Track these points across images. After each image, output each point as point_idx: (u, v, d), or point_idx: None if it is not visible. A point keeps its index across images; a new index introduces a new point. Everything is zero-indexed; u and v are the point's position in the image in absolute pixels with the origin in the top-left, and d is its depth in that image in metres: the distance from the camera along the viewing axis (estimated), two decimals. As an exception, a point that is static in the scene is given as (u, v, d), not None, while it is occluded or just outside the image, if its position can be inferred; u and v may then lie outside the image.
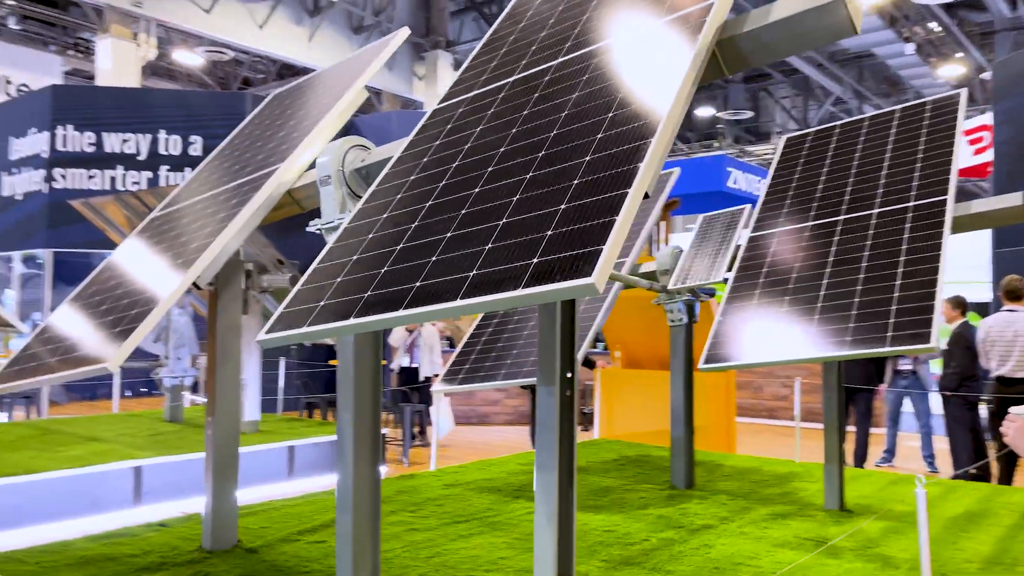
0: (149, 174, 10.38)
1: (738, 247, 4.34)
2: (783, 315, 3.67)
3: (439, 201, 2.04)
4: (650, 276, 4.68)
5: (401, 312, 1.68)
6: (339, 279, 2.01)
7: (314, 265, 2.18)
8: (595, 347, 9.83)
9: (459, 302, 1.55)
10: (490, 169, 2.01)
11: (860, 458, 7.46)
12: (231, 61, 23.43)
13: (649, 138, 1.70)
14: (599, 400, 6.50)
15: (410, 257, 1.86)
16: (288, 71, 22.76)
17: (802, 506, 4.12)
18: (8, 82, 15.65)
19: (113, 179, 10.25)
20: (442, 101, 2.69)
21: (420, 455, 7.96)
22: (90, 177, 10.22)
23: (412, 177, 2.29)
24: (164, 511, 5.20)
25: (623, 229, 1.49)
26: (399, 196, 2.22)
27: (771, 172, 4.73)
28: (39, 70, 16.92)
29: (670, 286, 4.40)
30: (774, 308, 3.75)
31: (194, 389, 8.61)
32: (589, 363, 7.38)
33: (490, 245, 1.67)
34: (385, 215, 2.17)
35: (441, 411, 7.54)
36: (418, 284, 1.72)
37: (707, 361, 3.69)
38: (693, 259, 4.48)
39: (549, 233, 1.59)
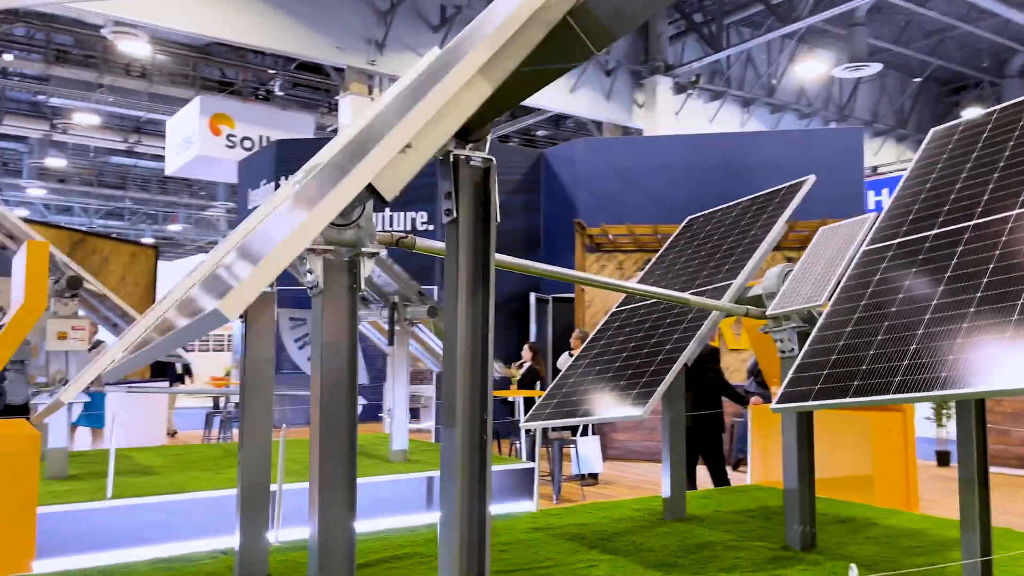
0: (354, 216, 11.23)
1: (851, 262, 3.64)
2: (878, 346, 2.99)
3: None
4: (756, 301, 4.08)
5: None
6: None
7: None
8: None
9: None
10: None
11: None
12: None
13: None
14: (752, 441, 5.81)
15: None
16: (521, 111, 23.68)
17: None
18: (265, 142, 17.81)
19: (324, 222, 11.24)
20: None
21: (578, 493, 7.65)
22: (306, 221, 11.29)
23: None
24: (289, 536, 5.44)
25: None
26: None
27: (906, 173, 3.95)
28: (297, 129, 19.15)
29: (769, 311, 3.80)
30: (868, 338, 3.07)
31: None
32: (742, 400, 6.65)
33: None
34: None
35: (588, 447, 7.20)
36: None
37: (780, 400, 3.11)
38: (802, 279, 3.83)
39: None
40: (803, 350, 3.28)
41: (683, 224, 5.48)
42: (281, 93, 21.57)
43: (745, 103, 23.19)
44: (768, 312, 3.81)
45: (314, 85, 22.70)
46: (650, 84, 20.77)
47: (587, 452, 7.32)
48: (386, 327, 6.80)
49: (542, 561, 3.65)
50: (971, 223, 3.25)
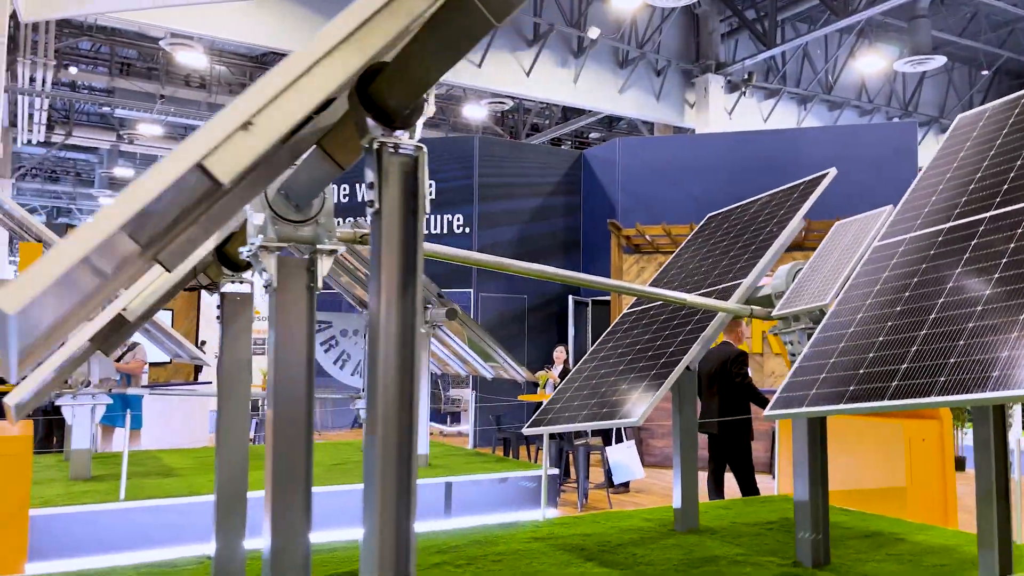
0: (392, 219, 11.24)
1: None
2: (879, 347, 2.76)
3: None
4: (766, 301, 3.86)
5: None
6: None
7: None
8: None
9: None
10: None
11: None
12: (518, 109, 24.88)
13: None
14: (780, 449, 5.52)
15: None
16: (574, 114, 23.51)
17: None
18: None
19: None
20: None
21: (615, 499, 7.44)
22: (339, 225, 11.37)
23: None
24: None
25: None
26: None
27: (928, 163, 3.68)
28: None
29: (775, 312, 3.57)
30: (870, 340, 2.84)
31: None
32: (764, 401, 6.32)
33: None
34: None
35: (621, 454, 6.98)
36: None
37: (773, 406, 2.90)
38: (811, 277, 3.60)
39: None
40: (802, 352, 3.06)
41: (703, 222, 5.26)
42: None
43: (802, 100, 22.53)
44: (774, 313, 3.58)
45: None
46: (701, 83, 20.35)
47: (621, 459, 7.10)
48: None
49: (532, 574, 3.50)
50: (988, 214, 2.98)
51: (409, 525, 1.96)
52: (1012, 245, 2.72)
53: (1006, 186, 3.05)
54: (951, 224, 3.10)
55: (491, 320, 11.26)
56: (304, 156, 2.45)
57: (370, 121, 1.96)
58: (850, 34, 21.45)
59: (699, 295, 4.25)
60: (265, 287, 2.64)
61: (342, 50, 1.33)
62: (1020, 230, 2.76)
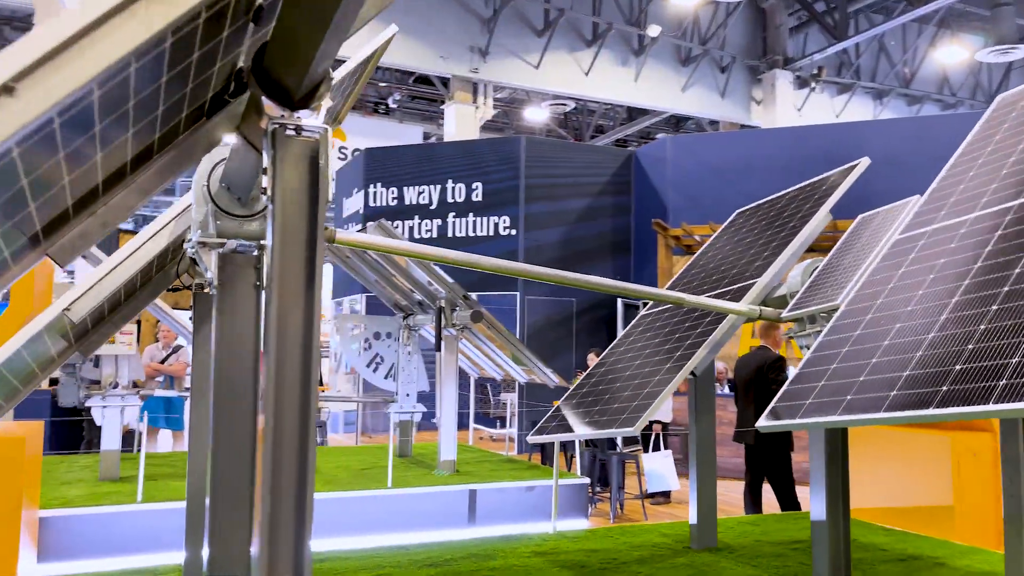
0: (439, 222, 11.14)
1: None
2: (884, 352, 2.46)
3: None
4: (780, 302, 3.55)
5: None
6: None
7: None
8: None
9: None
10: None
11: None
12: (582, 111, 24.60)
13: None
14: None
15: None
16: (638, 114, 23.09)
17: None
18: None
19: (411, 228, 11.22)
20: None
21: (651, 510, 7.13)
22: (394, 228, 11.35)
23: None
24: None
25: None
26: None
27: (961, 148, 3.32)
28: (405, 139, 19.46)
29: (785, 313, 3.27)
30: (875, 343, 2.54)
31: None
32: None
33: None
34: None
35: (657, 463, 6.68)
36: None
37: (767, 416, 2.63)
38: (828, 276, 3.28)
39: None
40: (804, 358, 2.77)
41: (731, 218, 4.95)
42: (394, 106, 22.02)
43: (878, 95, 21.57)
44: (784, 314, 3.28)
45: (429, 97, 23.08)
46: (768, 79, 19.69)
47: (656, 468, 6.81)
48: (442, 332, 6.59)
49: (520, 591, 3.29)
50: (1017, 202, 2.63)
51: (304, 543, 1.79)
52: (1038, 236, 2.37)
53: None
54: (977, 214, 2.75)
55: (538, 323, 11.07)
56: (233, 145, 2.32)
57: (266, 100, 1.81)
58: (929, 24, 20.42)
59: (715, 295, 3.97)
60: (203, 287, 2.52)
61: (143, 5, 1.16)
62: (1049, 219, 2.42)
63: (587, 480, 6.43)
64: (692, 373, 3.58)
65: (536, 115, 22.09)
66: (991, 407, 1.94)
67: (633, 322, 4.54)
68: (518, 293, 10.96)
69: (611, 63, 18.85)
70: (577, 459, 6.84)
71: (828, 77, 20.14)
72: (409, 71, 20.52)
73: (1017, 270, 2.30)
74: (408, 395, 7.35)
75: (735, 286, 3.87)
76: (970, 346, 2.18)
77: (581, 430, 3.68)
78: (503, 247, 11.13)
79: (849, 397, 2.41)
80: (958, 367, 2.15)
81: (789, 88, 19.67)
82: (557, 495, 4.48)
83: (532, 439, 4.01)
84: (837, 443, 3.39)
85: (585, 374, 4.32)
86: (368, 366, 7.28)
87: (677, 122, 25.68)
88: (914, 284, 2.66)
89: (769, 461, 5.60)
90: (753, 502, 5.70)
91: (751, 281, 3.74)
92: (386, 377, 7.43)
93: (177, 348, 8.21)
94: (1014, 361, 2.01)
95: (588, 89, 18.77)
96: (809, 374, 2.69)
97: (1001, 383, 2.00)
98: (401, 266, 6.66)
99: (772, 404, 2.68)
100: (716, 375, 9.30)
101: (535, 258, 11.13)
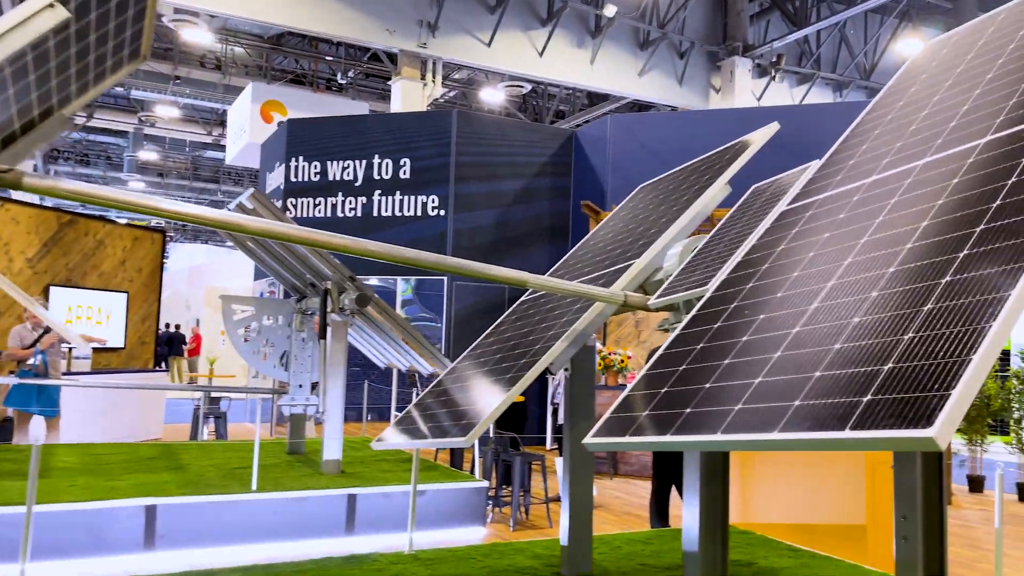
0: (364, 199, 10.45)
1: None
2: (740, 352, 1.88)
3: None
4: (658, 287, 2.96)
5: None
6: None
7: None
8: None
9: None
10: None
11: None
12: (542, 94, 23.95)
13: None
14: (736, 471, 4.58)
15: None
16: (600, 100, 22.49)
17: None
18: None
19: (334, 205, 10.51)
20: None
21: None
22: (315, 205, 10.60)
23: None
24: (162, 562, 4.66)
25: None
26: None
27: (871, 104, 2.74)
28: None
29: (652, 301, 2.67)
30: (731, 339, 1.95)
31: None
32: None
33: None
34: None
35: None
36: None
37: (597, 431, 2.04)
38: (706, 256, 2.69)
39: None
40: (650, 360, 2.18)
41: (632, 193, 4.36)
42: (344, 82, 21.20)
43: (838, 86, 21.20)
44: (651, 302, 2.69)
45: (384, 75, 22.26)
46: (728, 66, 19.19)
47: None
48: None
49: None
50: (920, 162, 2.05)
51: None
52: (940, 202, 1.79)
53: (953, 123, 2.12)
54: (876, 178, 2.17)
55: (466, 310, 10.44)
56: None
57: None
58: (891, 15, 20.06)
59: (592, 278, 3.37)
60: None
61: None
62: (956, 180, 1.84)
63: (486, 483, 5.83)
64: (548, 371, 2.97)
65: (492, 97, 21.39)
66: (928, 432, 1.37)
67: (510, 310, 3.93)
68: (445, 278, 10.32)
69: (567, 44, 18.21)
70: (476, 459, 6.25)
71: (788, 66, 19.71)
72: (363, 47, 19.73)
73: (909, 245, 1.72)
74: (301, 386, 6.70)
75: (614, 267, 3.27)
76: (838, 345, 1.59)
77: (418, 438, 3.07)
78: (431, 228, 10.47)
79: (688, 411, 1.82)
80: (817, 373, 1.56)
81: (748, 76, 19.20)
82: (414, 509, 3.86)
83: (375, 446, 3.39)
84: (716, 459, 2.81)
85: (447, 370, 3.71)
86: (256, 353, 6.61)
87: (639, 109, 25.15)
88: (790, 264, 2.07)
89: (678, 467, 5.04)
90: (659, 513, 5.14)
91: (629, 263, 3.15)
92: (277, 366, 6.76)
93: (47, 329, 7.46)
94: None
95: (543, 70, 18.11)
96: (654, 377, 2.09)
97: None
98: (289, 246, 5.99)
99: (607, 414, 2.09)
100: (615, 367, 8.78)
101: (465, 241, 10.48)
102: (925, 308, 1.48)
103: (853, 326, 1.61)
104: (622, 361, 8.90)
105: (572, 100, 24.44)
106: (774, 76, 19.51)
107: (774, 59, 19.12)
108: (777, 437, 1.49)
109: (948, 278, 1.50)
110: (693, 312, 2.24)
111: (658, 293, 2.68)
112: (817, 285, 1.87)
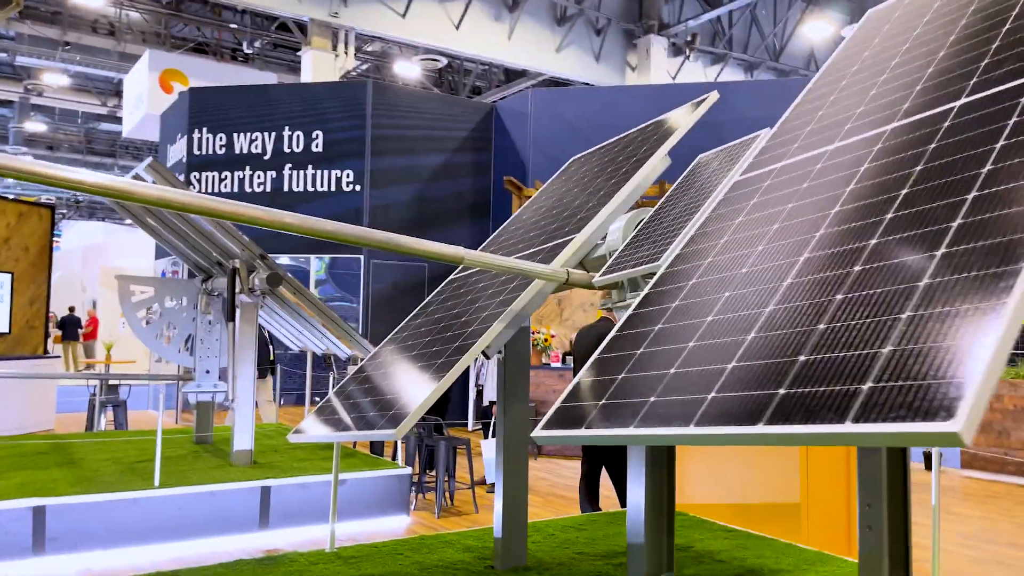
0: (274, 174, 9.95)
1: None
2: (706, 334, 1.70)
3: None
4: (600, 263, 2.78)
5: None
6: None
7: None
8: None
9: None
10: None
11: None
12: (458, 70, 23.50)
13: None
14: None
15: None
16: (517, 76, 22.20)
17: None
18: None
19: (241, 180, 9.96)
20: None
21: (487, 499, 6.39)
22: (221, 180, 10.02)
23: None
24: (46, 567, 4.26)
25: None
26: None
27: (822, 69, 2.62)
28: (261, 89, 17.82)
29: (596, 279, 2.49)
30: (692, 319, 1.78)
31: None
32: None
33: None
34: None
35: (492, 450, 5.93)
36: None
37: (547, 422, 1.84)
38: (652, 230, 2.52)
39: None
40: (603, 343, 1.99)
41: (564, 166, 4.17)
42: (251, 51, 20.28)
43: (749, 67, 21.58)
44: (596, 279, 2.50)
45: (293, 46, 21.39)
46: (643, 44, 19.26)
47: (494, 456, 6.05)
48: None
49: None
50: (888, 127, 1.91)
51: None
52: (919, 168, 1.65)
53: (919, 87, 1.99)
54: (837, 145, 2.03)
55: (385, 290, 10.10)
56: None
57: None
58: (800, -2, 20.52)
59: (528, 255, 3.16)
60: None
61: None
62: (933, 145, 1.70)
63: (408, 470, 5.60)
64: (483, 353, 2.76)
65: (407, 70, 20.86)
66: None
67: (438, 289, 3.69)
68: (362, 256, 9.94)
69: (483, 17, 17.87)
70: (399, 445, 6.00)
71: (702, 46, 19.93)
72: (270, 15, 18.85)
73: (890, 215, 1.57)
74: (208, 372, 6.28)
75: (551, 243, 3.07)
76: (821, 326, 1.43)
77: (341, 430, 2.81)
78: (346, 204, 10.05)
79: (652, 399, 1.64)
80: (803, 358, 1.39)
81: (664, 55, 19.33)
82: (335, 504, 3.60)
83: (292, 439, 3.11)
84: (662, 450, 2.66)
85: (370, 355, 3.44)
86: (158, 337, 6.15)
87: (557, 86, 25.02)
88: (753, 238, 1.91)
89: (608, 449, 4.93)
90: (589, 496, 5.03)
91: (568, 238, 2.95)
92: (181, 350, 6.32)
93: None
94: (884, 351, 1.27)
95: (459, 44, 17.74)
96: (607, 362, 1.91)
97: (865, 387, 1.27)
98: (193, 221, 5.56)
99: (556, 404, 1.89)
100: (539, 346, 8.66)
101: (382, 218, 10.11)
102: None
103: (836, 305, 1.45)
104: (545, 340, 8.78)
105: (489, 75, 24.11)
106: (688, 55, 19.69)
107: (689, 38, 19.29)
108: (760, 431, 1.32)
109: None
110: (645, 291, 2.06)
111: (603, 270, 2.49)
112: (787, 259, 1.71)
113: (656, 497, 2.64)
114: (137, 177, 5.16)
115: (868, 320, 1.34)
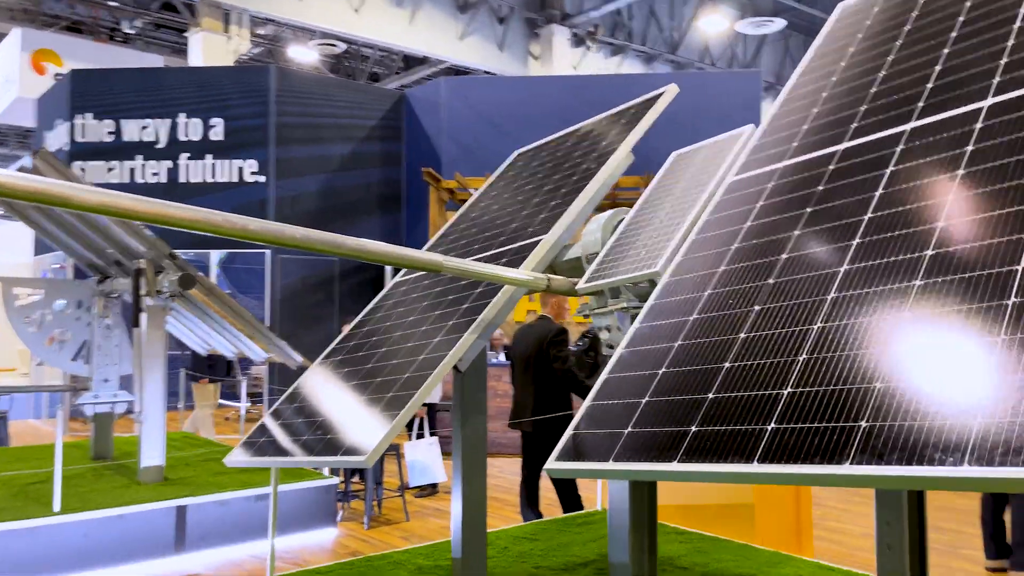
0: (169, 164, 9.30)
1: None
2: (737, 354, 1.56)
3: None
4: (575, 266, 2.61)
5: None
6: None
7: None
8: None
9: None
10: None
11: None
12: (355, 55, 22.81)
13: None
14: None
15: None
16: (417, 63, 21.71)
17: None
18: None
19: (132, 171, 9.27)
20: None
21: (417, 504, 6.16)
22: (110, 170, 9.29)
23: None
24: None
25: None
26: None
27: (804, 62, 2.53)
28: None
29: (581, 284, 2.33)
30: (727, 335, 1.63)
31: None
32: (587, 391, 5.25)
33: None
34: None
35: (421, 452, 5.71)
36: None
37: (560, 454, 1.66)
38: (636, 232, 2.36)
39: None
40: (612, 359, 1.82)
41: (508, 160, 3.97)
42: (132, 32, 19.02)
43: (648, 59, 21.93)
44: (579, 285, 2.33)
45: (178, 27, 20.20)
46: (546, 34, 19.23)
47: (420, 459, 5.82)
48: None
49: None
50: (907, 126, 1.82)
51: None
52: (961, 172, 1.55)
53: (930, 85, 1.91)
54: (849, 145, 1.93)
55: (293, 287, 9.64)
56: None
57: None
58: (696, -9, 20.96)
59: (487, 257, 2.96)
60: None
61: None
62: (971, 147, 1.61)
63: (335, 480, 5.30)
64: (455, 368, 2.55)
65: (303, 55, 20.07)
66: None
67: (381, 294, 3.44)
68: (268, 251, 9.44)
69: (384, 1, 17.37)
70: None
71: (603, 37, 20.09)
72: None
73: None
74: (107, 380, 5.76)
75: (514, 245, 2.88)
76: (802, 356, 1.30)
77: (296, 453, 2.54)
78: (250, 195, 9.51)
79: (694, 430, 1.48)
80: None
81: (566, 45, 19.36)
82: (274, 532, 3.29)
83: (228, 462, 2.81)
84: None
85: (314, 366, 3.16)
86: (48, 345, 5.59)
87: (458, 74, 24.69)
88: (760, 249, 1.78)
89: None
90: (529, 501, 4.88)
91: (535, 239, 2.77)
92: (75, 358, 5.77)
93: None
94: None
95: (358, 28, 17.16)
96: (626, 382, 1.74)
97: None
98: (87, 218, 5.05)
99: (569, 431, 1.71)
100: (491, 341, 8.48)
101: (288, 210, 9.62)
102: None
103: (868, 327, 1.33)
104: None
105: (388, 62, 23.54)
106: (589, 46, 19.81)
107: (591, 29, 19.40)
108: (842, 472, 1.19)
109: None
110: (646, 307, 1.90)
111: (588, 275, 2.32)
112: (822, 271, 1.58)
113: (639, 512, 2.51)
114: (23, 169, 4.64)
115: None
